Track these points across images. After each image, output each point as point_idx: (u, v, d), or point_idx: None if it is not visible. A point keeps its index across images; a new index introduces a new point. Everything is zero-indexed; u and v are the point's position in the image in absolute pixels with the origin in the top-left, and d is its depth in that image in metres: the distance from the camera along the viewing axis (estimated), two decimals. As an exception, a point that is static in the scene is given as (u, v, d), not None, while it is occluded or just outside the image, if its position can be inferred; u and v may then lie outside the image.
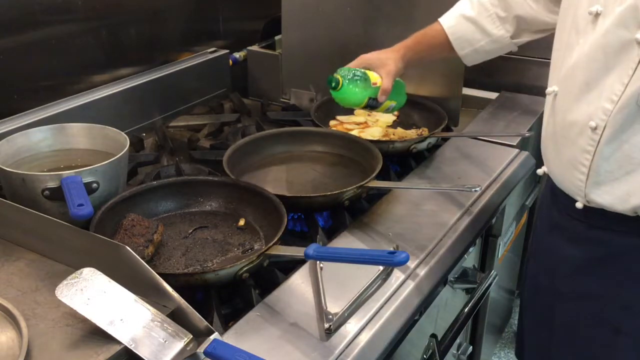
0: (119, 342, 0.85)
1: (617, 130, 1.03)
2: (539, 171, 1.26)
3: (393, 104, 1.48)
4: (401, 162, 1.55)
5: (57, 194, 1.11)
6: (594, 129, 1.05)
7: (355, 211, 1.32)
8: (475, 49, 1.41)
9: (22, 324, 0.87)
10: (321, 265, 1.09)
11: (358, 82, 1.36)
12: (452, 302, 1.44)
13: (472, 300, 1.47)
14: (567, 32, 1.11)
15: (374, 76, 1.38)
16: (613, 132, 1.04)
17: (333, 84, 1.36)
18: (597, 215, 1.12)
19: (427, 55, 1.47)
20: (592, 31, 1.05)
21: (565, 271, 1.22)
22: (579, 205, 1.14)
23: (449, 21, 1.41)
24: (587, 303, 1.20)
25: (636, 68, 0.99)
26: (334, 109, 1.68)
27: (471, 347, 1.68)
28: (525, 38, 1.39)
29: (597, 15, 1.04)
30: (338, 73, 1.37)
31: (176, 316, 0.91)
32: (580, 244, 1.18)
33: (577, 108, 1.09)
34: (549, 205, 1.26)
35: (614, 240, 1.13)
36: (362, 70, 1.38)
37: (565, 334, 1.26)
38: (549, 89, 1.16)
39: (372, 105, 1.40)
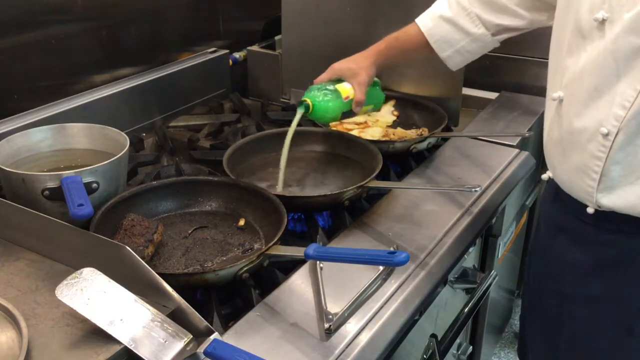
0: (119, 342, 0.85)
1: (631, 135, 1.02)
2: (544, 176, 1.26)
3: (370, 107, 1.48)
4: (401, 162, 1.55)
5: (57, 194, 1.11)
6: (606, 135, 1.04)
7: (355, 211, 1.32)
8: (457, 49, 1.39)
9: (22, 324, 0.87)
10: (321, 265, 1.09)
11: (329, 100, 1.36)
12: (452, 302, 1.44)
13: (472, 300, 1.47)
14: (569, 37, 1.10)
15: (345, 89, 1.38)
16: (627, 137, 1.03)
17: (304, 109, 1.36)
18: (608, 219, 1.12)
19: (400, 58, 1.47)
20: (599, 37, 1.04)
21: (575, 275, 1.21)
22: (589, 210, 1.13)
23: (427, 23, 1.39)
24: (598, 306, 1.19)
25: None
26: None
27: (471, 347, 1.68)
28: (506, 35, 1.37)
29: (603, 21, 1.02)
30: (308, 94, 1.37)
31: (176, 316, 0.91)
32: (591, 247, 1.17)
33: (586, 114, 1.07)
34: (553, 209, 1.25)
35: (626, 242, 1.13)
36: (333, 86, 1.38)
37: (576, 337, 1.25)
38: (553, 95, 1.15)
39: (349, 115, 1.42)
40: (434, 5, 1.41)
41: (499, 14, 1.33)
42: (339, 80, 1.40)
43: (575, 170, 1.13)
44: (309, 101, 1.36)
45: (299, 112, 1.37)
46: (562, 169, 1.18)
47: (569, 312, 1.24)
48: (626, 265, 1.14)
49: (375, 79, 1.47)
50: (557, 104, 1.15)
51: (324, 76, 1.41)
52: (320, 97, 1.36)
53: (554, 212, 1.26)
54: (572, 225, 1.19)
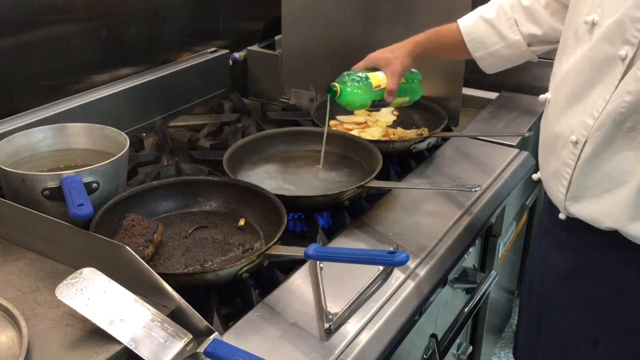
0: (119, 342, 0.86)
1: (598, 147, 1.02)
2: (534, 176, 1.26)
3: (406, 99, 1.48)
4: (401, 162, 1.55)
5: (57, 194, 1.11)
6: (575, 143, 1.04)
7: (355, 211, 1.32)
8: (490, 52, 1.38)
9: (22, 324, 0.87)
10: (321, 265, 1.09)
11: (357, 87, 1.36)
12: (452, 302, 1.44)
13: (472, 300, 1.47)
14: (570, 40, 1.09)
15: (377, 78, 1.38)
16: (594, 148, 1.02)
17: (331, 94, 1.37)
18: (579, 227, 1.11)
19: (438, 53, 1.45)
20: (588, 41, 1.03)
21: (552, 278, 1.21)
22: (561, 216, 1.14)
23: (466, 22, 1.39)
24: (569, 312, 1.19)
25: (618, 85, 0.98)
26: (334, 109, 1.68)
27: (471, 347, 1.68)
28: (543, 47, 1.35)
29: (593, 25, 1.01)
30: (338, 79, 1.38)
31: (176, 316, 0.91)
32: (565, 252, 1.17)
33: (562, 119, 1.07)
34: (546, 211, 1.25)
35: (594, 252, 1.12)
36: (364, 73, 1.38)
37: (549, 341, 1.25)
38: (542, 96, 1.15)
39: (380, 105, 1.41)
40: (478, 8, 1.40)
41: (534, 24, 1.31)
42: (375, 69, 1.40)
43: (551, 175, 1.13)
44: (337, 86, 1.37)
45: (328, 97, 1.38)
46: (544, 171, 1.18)
47: (546, 315, 1.24)
48: (593, 275, 1.13)
49: (417, 72, 1.47)
50: (546, 106, 1.15)
51: (360, 64, 1.41)
52: (349, 82, 1.37)
53: (544, 215, 1.26)
54: (554, 229, 1.19)
